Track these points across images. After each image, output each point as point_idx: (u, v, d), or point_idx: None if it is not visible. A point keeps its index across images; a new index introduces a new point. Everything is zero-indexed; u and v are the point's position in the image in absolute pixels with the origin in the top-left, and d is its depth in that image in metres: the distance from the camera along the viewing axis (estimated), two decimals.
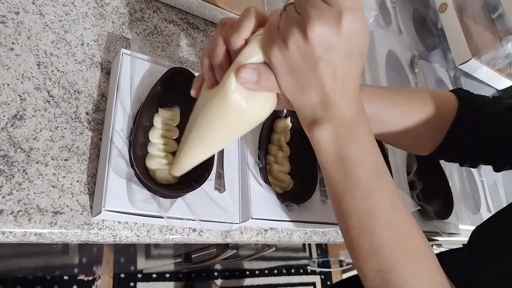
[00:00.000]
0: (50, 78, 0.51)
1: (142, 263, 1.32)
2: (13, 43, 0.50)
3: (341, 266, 1.91)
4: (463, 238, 0.92)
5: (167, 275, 1.51)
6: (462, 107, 0.60)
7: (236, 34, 0.36)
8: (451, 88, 1.14)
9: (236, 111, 0.37)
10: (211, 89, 0.40)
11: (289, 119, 0.66)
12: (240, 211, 0.56)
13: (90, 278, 1.35)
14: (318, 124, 0.37)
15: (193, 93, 0.43)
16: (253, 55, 0.36)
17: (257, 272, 1.78)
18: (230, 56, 0.38)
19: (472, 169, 1.08)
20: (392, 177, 0.74)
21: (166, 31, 0.66)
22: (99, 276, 1.37)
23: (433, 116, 0.59)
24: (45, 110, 0.49)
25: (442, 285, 0.40)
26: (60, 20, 0.55)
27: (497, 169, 0.62)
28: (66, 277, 1.31)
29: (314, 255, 1.72)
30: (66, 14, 0.56)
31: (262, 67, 0.35)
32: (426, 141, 0.63)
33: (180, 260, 0.98)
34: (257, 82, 0.35)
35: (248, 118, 0.39)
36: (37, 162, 0.46)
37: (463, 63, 0.97)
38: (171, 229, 0.53)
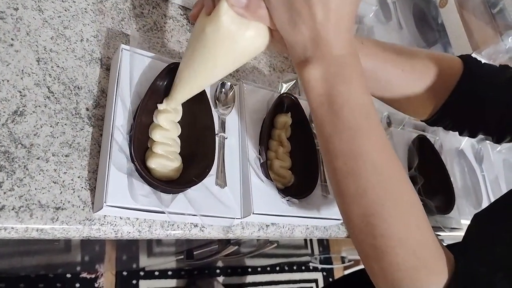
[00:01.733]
0: (50, 74, 0.51)
1: (144, 261, 1.32)
2: (12, 39, 0.50)
3: (343, 262, 1.91)
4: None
5: (170, 273, 1.51)
6: (466, 73, 0.58)
7: None
8: None
9: (227, 35, 0.38)
10: (207, 16, 0.40)
11: (289, 114, 0.65)
12: (242, 206, 0.56)
13: (93, 276, 1.35)
14: (308, 62, 0.36)
15: (191, 18, 0.43)
16: None
17: (259, 269, 1.78)
18: None
19: (473, 163, 1.08)
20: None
21: (165, 27, 0.65)
22: (102, 274, 1.37)
23: (435, 79, 0.56)
24: (45, 106, 0.49)
25: (427, 231, 0.38)
26: (59, 16, 0.55)
27: (497, 140, 0.60)
28: (68, 275, 1.31)
29: (316, 252, 1.72)
30: (66, 10, 0.56)
31: None
32: (425, 105, 0.60)
33: (182, 257, 0.99)
34: (247, 7, 0.36)
35: (240, 47, 0.40)
36: (38, 158, 0.46)
37: None
38: (172, 225, 0.53)
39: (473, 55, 0.96)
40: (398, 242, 0.37)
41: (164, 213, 0.48)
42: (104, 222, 0.48)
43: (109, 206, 0.45)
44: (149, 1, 0.65)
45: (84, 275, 1.34)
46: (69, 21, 0.55)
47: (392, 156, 0.38)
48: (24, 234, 0.43)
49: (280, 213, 0.59)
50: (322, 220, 0.64)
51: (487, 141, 1.12)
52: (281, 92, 0.67)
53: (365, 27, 0.92)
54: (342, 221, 0.66)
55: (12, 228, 0.42)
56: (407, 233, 0.37)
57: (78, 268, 1.30)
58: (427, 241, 0.38)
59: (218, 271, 1.66)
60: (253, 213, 0.55)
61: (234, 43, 0.39)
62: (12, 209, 0.43)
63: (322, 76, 0.36)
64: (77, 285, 1.32)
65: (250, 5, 0.36)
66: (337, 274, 1.98)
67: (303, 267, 1.92)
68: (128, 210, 0.47)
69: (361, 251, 0.40)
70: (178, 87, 0.49)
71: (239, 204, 0.56)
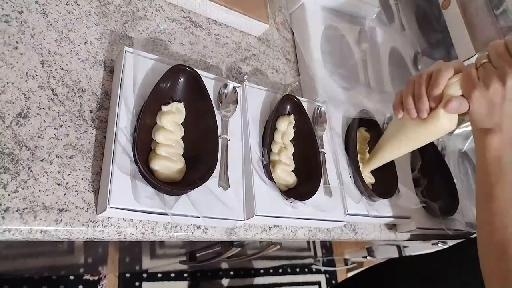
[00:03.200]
0: (54, 77, 0.51)
1: (147, 263, 1.32)
2: (17, 42, 0.50)
3: (346, 265, 1.90)
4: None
5: (172, 275, 1.51)
6: None
7: (441, 78, 0.54)
8: None
9: (441, 129, 0.57)
10: (411, 119, 0.58)
11: (292, 116, 0.66)
12: (244, 208, 0.56)
13: (96, 277, 1.35)
14: (491, 132, 0.54)
15: (399, 115, 0.60)
16: (453, 92, 0.54)
17: (262, 271, 1.78)
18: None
19: None
20: (396, 173, 0.74)
21: (168, 29, 0.66)
22: (105, 276, 1.37)
23: None
24: (49, 109, 0.49)
25: None
26: (64, 19, 0.55)
27: None
28: (72, 277, 1.32)
29: (319, 254, 1.72)
30: (69, 13, 0.56)
31: (462, 99, 0.53)
32: None
33: (185, 259, 0.99)
34: (458, 109, 0.54)
35: (439, 133, 0.58)
36: (42, 160, 0.46)
37: (467, 59, 0.97)
38: (175, 226, 0.53)
39: (477, 56, 0.95)
40: None
41: (167, 214, 0.48)
42: (108, 224, 0.48)
43: (112, 207, 0.45)
44: (152, 4, 0.66)
45: (87, 277, 1.34)
46: (73, 24, 0.56)
47: None
48: (28, 236, 0.43)
49: (283, 215, 0.59)
50: (325, 222, 0.64)
51: None
52: (284, 94, 0.67)
53: (367, 28, 0.92)
54: (344, 222, 0.66)
55: (16, 229, 0.43)
56: None
57: (81, 270, 1.30)
58: None
59: (221, 273, 1.66)
60: (256, 215, 0.55)
61: (442, 132, 0.58)
62: (16, 211, 0.43)
63: (498, 142, 0.53)
64: (80, 287, 1.32)
65: (461, 108, 0.53)
66: (340, 277, 1.98)
67: (306, 269, 1.91)
68: (131, 212, 0.47)
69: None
70: (377, 159, 0.69)
71: (242, 206, 0.56)
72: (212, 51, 0.70)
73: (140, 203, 0.47)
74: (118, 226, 0.49)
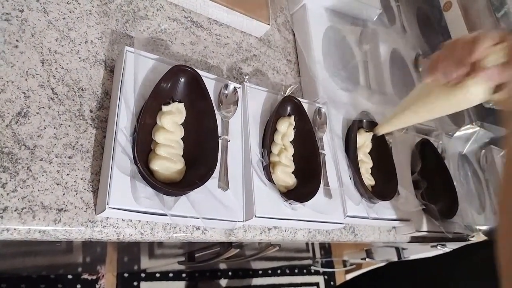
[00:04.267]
0: (54, 76, 0.51)
1: (146, 263, 1.32)
2: (17, 40, 0.50)
3: (344, 266, 1.90)
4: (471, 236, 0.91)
5: (171, 275, 1.51)
6: None
7: (481, 44, 0.50)
8: None
9: (468, 100, 0.54)
10: (439, 85, 0.55)
11: (292, 117, 0.65)
12: (244, 210, 0.56)
13: (94, 277, 1.35)
14: None
15: (430, 79, 0.56)
16: (493, 62, 0.50)
17: (260, 272, 1.77)
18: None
19: (477, 169, 1.08)
20: (396, 175, 0.73)
21: (169, 29, 0.66)
22: (103, 275, 1.37)
23: None
24: (49, 108, 0.49)
25: None
26: (64, 18, 0.55)
27: None
28: (70, 276, 1.31)
29: (318, 255, 1.72)
30: (70, 12, 0.56)
31: (502, 68, 0.50)
32: None
33: (183, 259, 0.98)
34: (496, 78, 0.50)
35: (469, 105, 0.56)
36: (41, 160, 0.46)
37: None
38: (174, 227, 0.53)
39: None
40: None
41: (166, 215, 0.48)
42: (106, 224, 0.48)
43: (111, 208, 0.44)
44: (153, 4, 0.65)
45: (85, 276, 1.33)
46: (73, 23, 0.55)
47: None
48: (26, 236, 0.43)
49: (282, 216, 0.58)
50: (325, 224, 0.64)
51: (491, 145, 1.11)
52: (285, 95, 0.67)
53: (369, 30, 0.92)
54: (344, 224, 0.66)
55: (15, 229, 0.42)
56: None
57: (80, 269, 1.29)
58: None
59: (219, 273, 1.66)
60: (255, 216, 0.55)
61: (463, 102, 0.55)
62: (15, 210, 0.43)
63: None
64: (78, 286, 1.32)
65: (501, 77, 0.50)
66: (339, 278, 1.98)
67: (305, 270, 1.91)
68: (130, 213, 0.47)
69: None
70: (394, 122, 0.65)
71: (241, 207, 0.56)
72: (213, 52, 0.70)
73: (140, 203, 0.46)
74: (117, 227, 0.49)
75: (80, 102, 0.52)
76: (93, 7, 0.58)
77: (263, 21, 0.75)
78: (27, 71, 0.49)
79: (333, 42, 0.84)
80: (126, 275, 1.42)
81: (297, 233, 0.65)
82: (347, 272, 1.97)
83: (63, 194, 0.46)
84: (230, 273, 1.69)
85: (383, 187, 0.74)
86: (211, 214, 0.52)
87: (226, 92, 0.61)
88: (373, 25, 0.95)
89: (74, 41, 0.54)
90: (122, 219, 0.49)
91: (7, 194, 0.43)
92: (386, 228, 0.80)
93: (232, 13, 0.71)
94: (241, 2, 0.72)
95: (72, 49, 0.54)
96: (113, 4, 0.61)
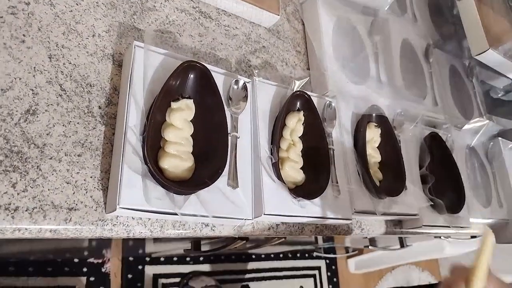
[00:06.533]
0: (62, 71, 0.50)
1: (151, 247, 1.33)
2: (24, 35, 0.49)
3: (347, 252, 1.92)
4: (473, 231, 0.91)
5: (175, 259, 1.53)
6: None
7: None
8: (465, 78, 1.11)
9: None
10: None
11: (302, 113, 0.64)
12: (253, 207, 0.56)
13: (100, 261, 1.37)
14: None
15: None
16: None
17: (263, 256, 1.80)
18: None
19: (484, 161, 1.07)
20: (404, 170, 0.73)
21: (178, 21, 0.64)
22: (108, 259, 1.38)
23: None
24: (58, 105, 0.48)
25: None
26: (71, 11, 0.54)
27: None
28: (76, 260, 1.33)
29: (320, 242, 1.73)
30: (77, 4, 0.54)
31: None
32: None
33: (189, 247, 0.99)
34: None
35: None
36: (50, 158, 0.46)
37: (480, 54, 0.95)
38: (184, 224, 0.53)
39: (490, 50, 0.93)
40: None
41: (176, 214, 0.48)
42: (117, 222, 0.48)
43: (122, 208, 0.44)
44: None
45: (91, 260, 1.35)
46: (80, 15, 0.54)
47: None
48: (37, 235, 0.43)
49: (291, 213, 0.58)
50: (333, 221, 0.64)
51: (499, 138, 1.10)
52: (294, 90, 0.66)
53: (380, 20, 0.90)
54: (351, 221, 0.66)
55: (26, 229, 0.42)
56: None
57: (86, 253, 1.31)
58: None
59: (223, 257, 1.68)
60: (264, 214, 0.55)
61: None
62: (26, 210, 0.42)
63: None
64: (85, 269, 1.34)
65: None
66: (340, 263, 2.00)
67: (307, 255, 1.93)
68: (141, 212, 0.46)
69: None
70: None
71: (250, 204, 0.56)
72: (221, 43, 0.68)
73: (151, 203, 0.46)
74: (127, 225, 0.49)
75: (89, 99, 0.51)
76: None
77: (273, 12, 0.73)
78: (34, 67, 0.48)
79: (343, 33, 0.82)
80: (131, 259, 1.44)
81: (305, 229, 0.66)
82: (349, 257, 1.99)
83: (73, 193, 0.46)
84: (233, 257, 1.71)
85: (391, 182, 0.73)
86: (221, 212, 0.52)
87: (236, 87, 0.60)
88: (384, 14, 0.92)
89: (82, 34, 0.53)
90: (132, 217, 0.49)
91: (18, 194, 0.43)
92: (393, 222, 0.80)
93: (241, 3, 0.69)
94: None
95: (79, 43, 0.53)
96: None
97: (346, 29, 0.84)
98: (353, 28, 0.86)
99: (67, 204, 0.45)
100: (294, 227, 0.64)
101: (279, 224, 0.62)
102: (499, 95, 1.15)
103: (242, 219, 0.54)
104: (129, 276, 1.42)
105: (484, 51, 0.94)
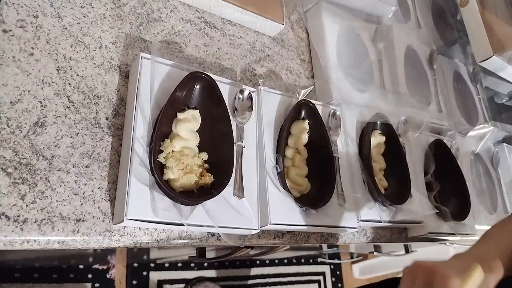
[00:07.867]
0: (69, 83, 0.50)
1: (155, 253, 1.33)
2: (32, 48, 0.49)
3: (351, 258, 1.91)
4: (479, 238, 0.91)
5: (180, 265, 1.53)
6: None
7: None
8: (470, 84, 1.11)
9: None
10: None
11: (306, 121, 0.65)
12: (259, 217, 0.56)
13: (105, 267, 1.37)
14: None
15: None
16: None
17: (267, 261, 1.79)
18: None
19: (489, 167, 1.07)
20: (409, 178, 0.73)
21: (183, 31, 0.65)
22: (113, 265, 1.39)
23: None
24: (66, 116, 0.49)
25: None
26: (79, 23, 0.54)
27: None
28: (81, 266, 1.34)
29: (325, 247, 1.73)
30: (84, 16, 0.55)
31: None
32: None
33: (194, 254, 0.99)
34: None
35: None
36: (58, 170, 0.46)
37: (484, 60, 0.95)
38: (190, 234, 0.53)
39: (494, 57, 0.93)
40: None
41: (183, 225, 0.48)
42: (124, 233, 0.48)
43: (129, 219, 0.45)
44: (166, 5, 0.64)
45: (96, 266, 1.36)
46: (88, 27, 0.55)
47: None
48: (46, 246, 0.44)
49: (296, 222, 0.58)
50: (338, 229, 0.64)
51: (504, 144, 1.10)
52: (299, 99, 0.66)
53: (383, 27, 0.90)
54: (356, 229, 0.66)
55: (35, 240, 0.43)
56: None
57: (91, 260, 1.32)
58: None
59: (227, 263, 1.68)
60: (270, 224, 0.55)
61: None
62: (34, 222, 0.43)
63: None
64: (89, 276, 1.34)
65: None
66: (345, 268, 1.99)
67: (311, 260, 1.93)
68: (148, 223, 0.47)
69: None
70: None
71: (256, 214, 0.56)
72: (226, 53, 0.69)
73: (158, 215, 0.46)
74: (134, 235, 0.49)
75: (96, 110, 0.51)
76: (106, 10, 0.57)
77: (277, 21, 0.73)
78: (43, 79, 0.49)
79: (347, 40, 0.83)
80: (135, 265, 1.44)
81: (310, 237, 0.66)
82: (353, 263, 1.98)
83: (81, 204, 0.46)
84: (237, 263, 1.71)
85: (396, 190, 0.73)
86: (227, 222, 0.52)
87: (241, 97, 0.60)
88: (388, 21, 0.93)
89: (89, 46, 0.54)
90: (139, 228, 0.50)
91: (27, 206, 0.43)
92: (398, 230, 0.80)
93: (246, 13, 0.70)
94: (255, 2, 0.70)
95: (87, 55, 0.53)
96: (127, 7, 0.60)
97: (350, 37, 0.84)
98: (357, 36, 0.86)
99: (75, 215, 0.45)
100: (299, 236, 0.64)
101: (284, 233, 0.63)
102: (504, 100, 1.15)
103: (248, 229, 0.54)
104: (134, 282, 1.42)
105: (488, 58, 0.94)
